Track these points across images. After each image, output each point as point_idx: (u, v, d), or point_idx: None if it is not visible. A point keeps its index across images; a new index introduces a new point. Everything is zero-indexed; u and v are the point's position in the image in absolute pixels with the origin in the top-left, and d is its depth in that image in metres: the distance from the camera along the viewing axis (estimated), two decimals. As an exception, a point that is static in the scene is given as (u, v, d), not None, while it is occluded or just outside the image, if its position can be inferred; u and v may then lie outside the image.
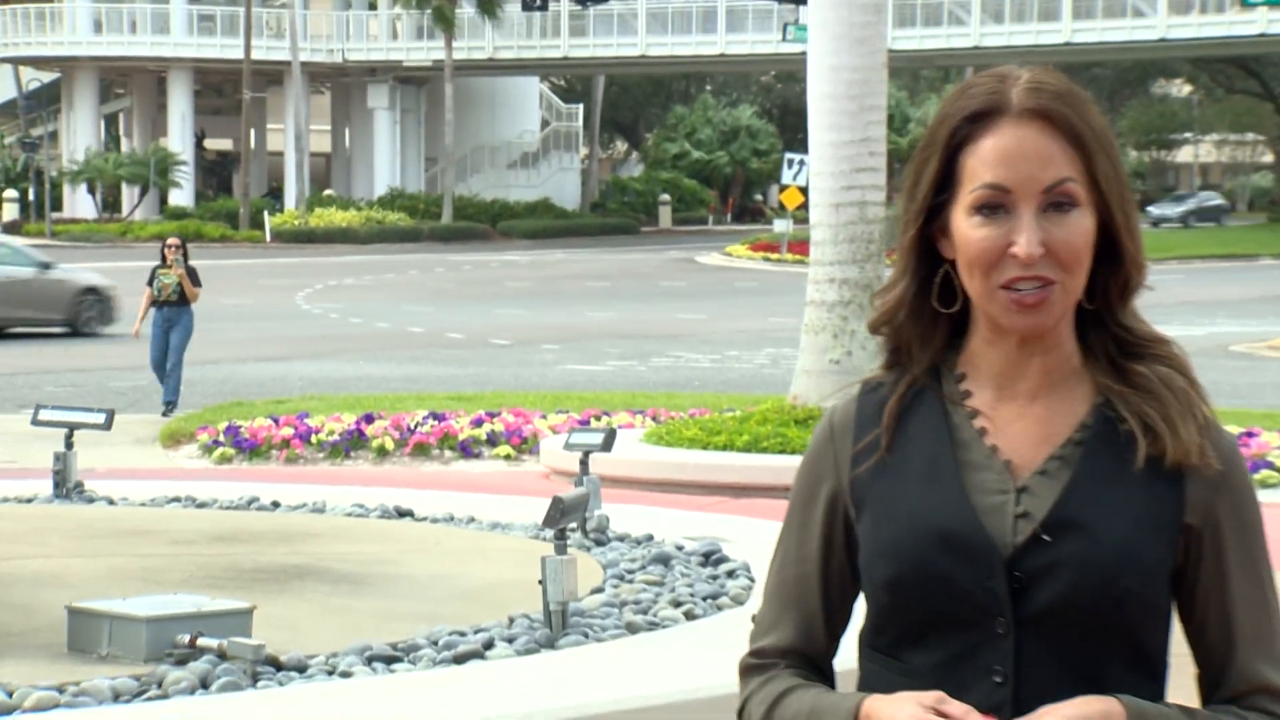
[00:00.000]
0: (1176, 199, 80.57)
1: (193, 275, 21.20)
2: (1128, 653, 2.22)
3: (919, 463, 2.26)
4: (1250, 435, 15.73)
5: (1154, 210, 73.60)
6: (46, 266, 33.42)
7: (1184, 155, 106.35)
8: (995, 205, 2.19)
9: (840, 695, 2.25)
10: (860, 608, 2.37)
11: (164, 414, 20.25)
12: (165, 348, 20.94)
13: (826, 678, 2.35)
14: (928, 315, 2.29)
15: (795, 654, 2.35)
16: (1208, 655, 2.27)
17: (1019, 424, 2.26)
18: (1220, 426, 2.27)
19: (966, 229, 2.20)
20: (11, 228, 69.36)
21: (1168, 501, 2.22)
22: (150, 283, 21.36)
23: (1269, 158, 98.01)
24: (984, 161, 2.20)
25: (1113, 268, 2.25)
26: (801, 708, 2.26)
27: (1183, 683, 2.31)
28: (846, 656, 2.38)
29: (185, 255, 21.46)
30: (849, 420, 2.34)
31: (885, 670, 2.26)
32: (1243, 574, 2.25)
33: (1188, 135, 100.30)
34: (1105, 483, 2.22)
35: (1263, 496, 9.89)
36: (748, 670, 2.37)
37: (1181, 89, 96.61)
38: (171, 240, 21.92)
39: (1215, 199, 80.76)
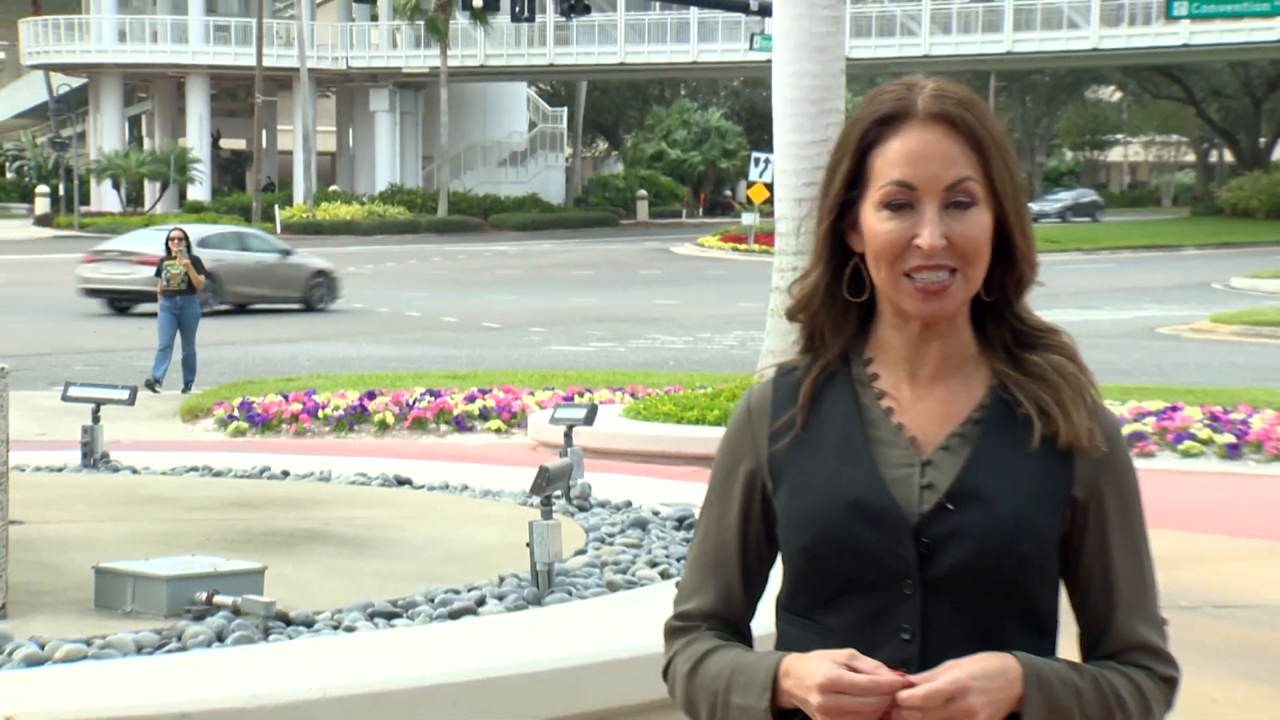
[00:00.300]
0: (1054, 196, 79.75)
1: (197, 264, 21.15)
2: (1023, 613, 2.23)
3: (832, 440, 2.27)
4: (1174, 409, 15.78)
5: (1034, 206, 73.24)
6: (287, 253, 35.87)
7: (1115, 155, 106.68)
8: (901, 202, 2.20)
9: (760, 654, 2.27)
10: (776, 574, 2.37)
11: (183, 390, 20.19)
12: (173, 333, 20.78)
13: (745, 639, 2.37)
14: (839, 304, 2.30)
15: (716, 617, 2.36)
16: (1090, 616, 2.30)
17: (922, 404, 2.27)
18: (1105, 408, 2.31)
19: (875, 223, 2.22)
20: (43, 220, 69.38)
21: (1058, 476, 2.24)
22: (159, 274, 21.16)
23: (1191, 157, 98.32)
24: (891, 161, 2.22)
25: (1008, 264, 2.26)
26: (724, 666, 2.27)
27: (1069, 629, 2.33)
28: (764, 620, 2.38)
29: (188, 246, 21.34)
30: (765, 402, 2.35)
31: (802, 632, 2.27)
32: (1122, 543, 2.28)
33: (1118, 136, 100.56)
34: (1002, 458, 2.23)
35: (1185, 465, 10.04)
36: (672, 632, 2.39)
37: (1112, 94, 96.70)
38: (174, 233, 21.74)
39: (1090, 195, 79.95)
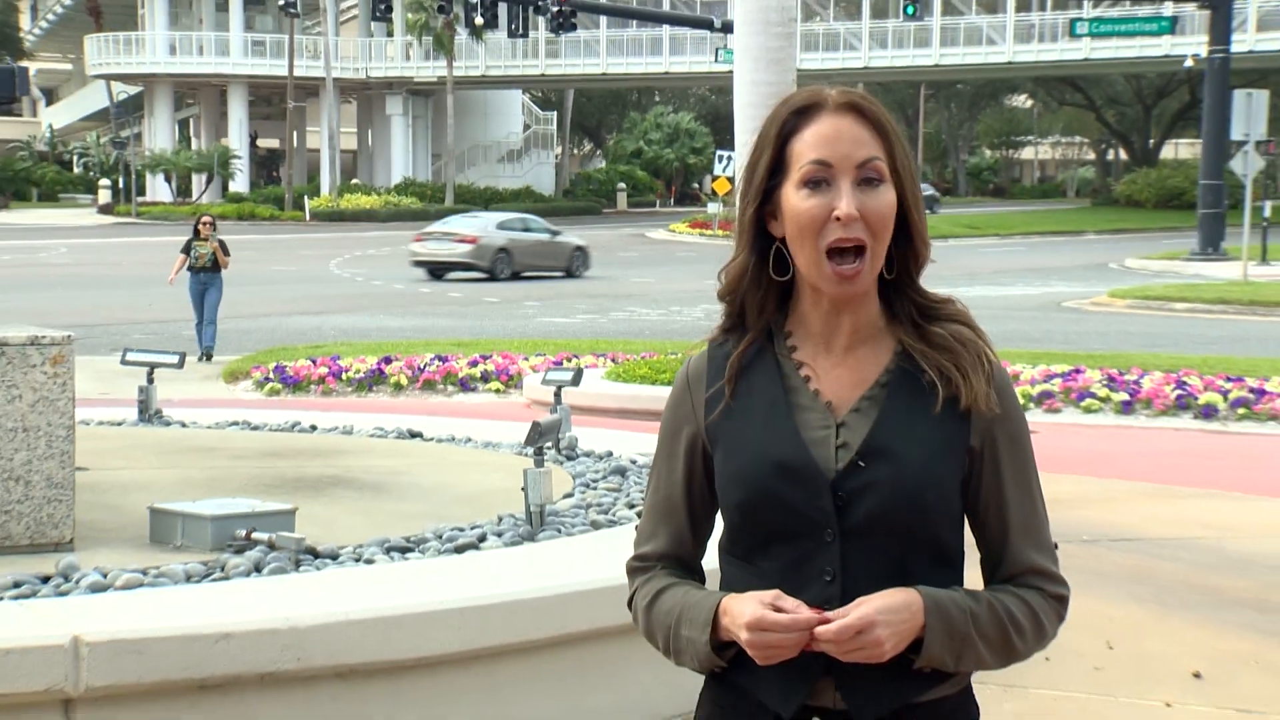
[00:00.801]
0: None
1: (223, 247, 20.69)
2: (930, 551, 2.22)
3: (759, 406, 2.25)
4: (1078, 372, 15.84)
5: None
6: (556, 233, 39.23)
7: (1027, 154, 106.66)
8: (819, 180, 2.18)
9: (705, 593, 2.27)
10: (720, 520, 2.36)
11: (206, 359, 19.82)
12: (203, 308, 20.42)
13: (697, 575, 2.37)
14: (763, 284, 2.28)
15: (669, 558, 2.36)
16: (988, 546, 2.29)
17: (836, 372, 2.25)
18: (999, 364, 2.28)
19: (796, 201, 2.20)
20: (105, 209, 69.16)
21: (956, 430, 2.22)
22: (186, 251, 20.69)
23: (1092, 155, 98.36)
24: (809, 144, 2.20)
25: (907, 243, 2.24)
26: (676, 603, 2.27)
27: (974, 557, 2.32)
28: (714, 556, 2.37)
29: (215, 229, 20.90)
30: (702, 372, 2.33)
31: (741, 573, 2.26)
32: (1015, 482, 2.27)
33: (1030, 138, 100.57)
34: (907, 417, 2.22)
35: (1086, 419, 10.09)
36: (632, 571, 2.39)
37: (1025, 101, 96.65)
38: (205, 218, 21.17)
39: (929, 190, 78.88)
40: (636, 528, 2.42)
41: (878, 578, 2.16)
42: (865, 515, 2.18)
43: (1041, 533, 2.28)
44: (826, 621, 2.10)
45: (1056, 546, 2.31)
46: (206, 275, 20.50)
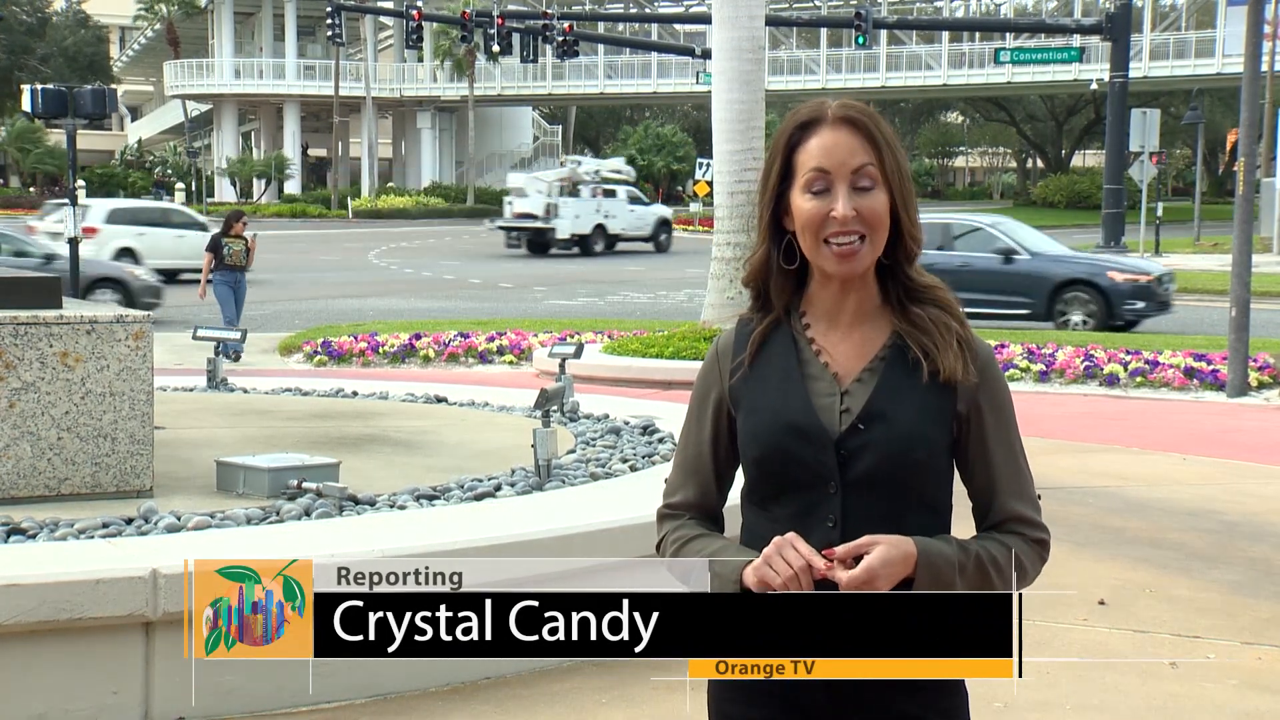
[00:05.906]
0: None
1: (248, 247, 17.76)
2: (920, 503, 2.19)
3: (776, 375, 2.23)
4: (1003, 346, 15.84)
5: None
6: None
7: (959, 162, 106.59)
8: (819, 185, 2.16)
9: (734, 552, 2.19)
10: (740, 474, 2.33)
11: (236, 359, 15.39)
12: (234, 306, 17.52)
13: (718, 523, 2.33)
14: (780, 271, 2.25)
15: (696, 507, 2.32)
16: (977, 498, 2.26)
17: (842, 346, 2.22)
18: (977, 340, 2.24)
19: (801, 202, 2.18)
20: (179, 207, 68.89)
21: (944, 398, 2.19)
22: (215, 249, 17.45)
23: (1013, 163, 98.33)
24: (811, 154, 2.18)
25: (897, 236, 2.21)
26: (703, 550, 2.22)
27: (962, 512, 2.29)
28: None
29: (246, 227, 17.95)
30: (729, 345, 2.31)
31: (758, 518, 2.23)
32: (999, 441, 2.23)
33: (962, 148, 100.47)
34: (900, 387, 2.19)
35: (1010, 387, 9.89)
36: (663, 518, 2.35)
37: (957, 118, 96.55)
38: (244, 218, 18.08)
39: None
40: (666, 479, 2.38)
41: (873, 524, 2.13)
42: (863, 471, 2.15)
43: (1024, 485, 2.24)
44: (830, 564, 2.06)
45: (1040, 497, 2.27)
46: (238, 273, 17.50)
